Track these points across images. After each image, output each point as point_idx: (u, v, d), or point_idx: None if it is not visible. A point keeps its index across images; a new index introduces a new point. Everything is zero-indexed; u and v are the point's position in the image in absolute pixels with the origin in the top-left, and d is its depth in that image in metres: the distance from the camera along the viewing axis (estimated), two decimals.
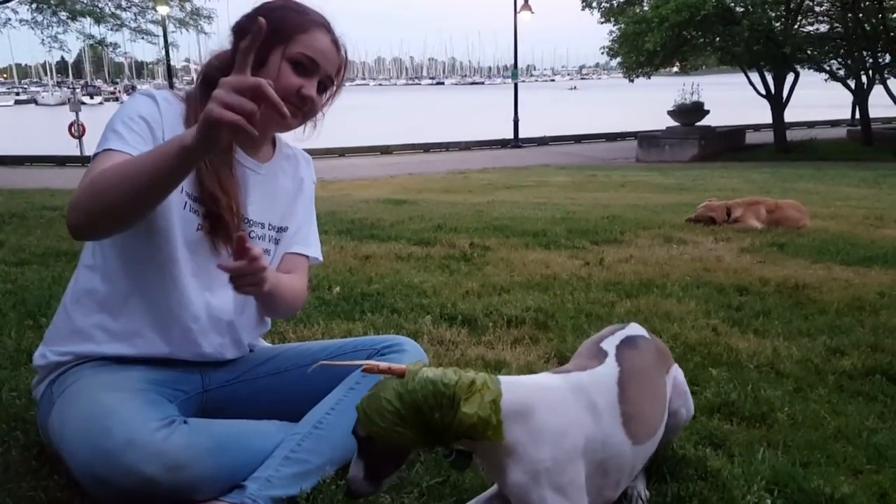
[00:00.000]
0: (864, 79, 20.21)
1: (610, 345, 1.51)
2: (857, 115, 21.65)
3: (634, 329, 1.61)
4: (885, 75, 19.26)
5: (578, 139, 24.90)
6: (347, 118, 33.02)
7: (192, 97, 1.52)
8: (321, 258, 1.79)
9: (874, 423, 1.98)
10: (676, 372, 1.65)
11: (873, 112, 20.79)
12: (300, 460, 1.46)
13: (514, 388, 1.29)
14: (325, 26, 1.56)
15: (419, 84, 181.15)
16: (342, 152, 19.50)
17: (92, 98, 64.19)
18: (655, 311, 3.18)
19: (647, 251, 4.81)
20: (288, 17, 1.51)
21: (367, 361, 1.26)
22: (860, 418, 2.01)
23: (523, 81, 26.21)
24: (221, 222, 1.51)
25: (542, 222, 5.97)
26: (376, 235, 5.03)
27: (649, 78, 20.83)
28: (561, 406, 1.30)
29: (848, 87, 20.54)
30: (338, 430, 1.52)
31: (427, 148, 21.78)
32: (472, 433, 1.23)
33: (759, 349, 2.62)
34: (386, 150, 20.94)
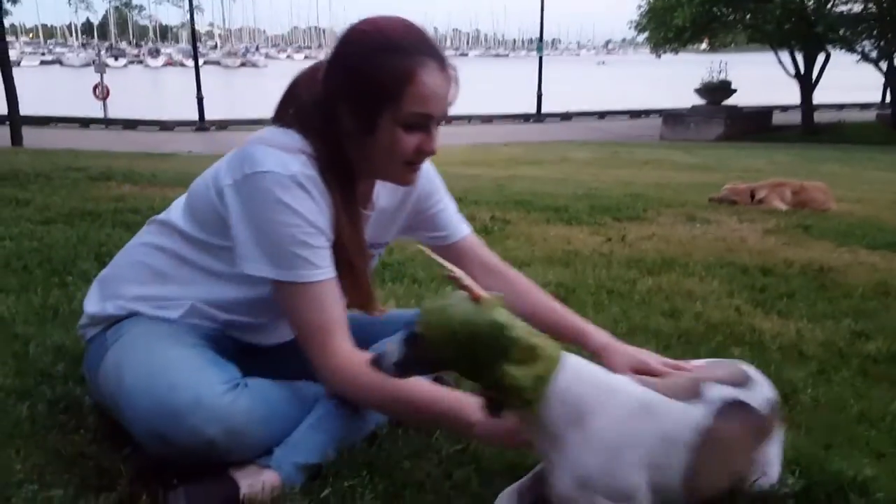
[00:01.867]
0: None
1: (715, 395, 1.33)
2: (888, 99, 21.19)
3: (753, 389, 1.42)
4: None
5: (602, 115, 24.64)
6: None
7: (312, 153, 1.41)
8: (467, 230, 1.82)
9: None
10: (773, 443, 1.46)
11: None
12: (328, 429, 1.46)
13: (583, 380, 1.24)
14: (433, 57, 1.38)
15: None
16: None
17: (116, 60, 64.43)
18: (678, 289, 3.16)
19: (669, 229, 4.76)
20: (388, 66, 1.34)
21: (455, 270, 1.22)
22: (884, 402, 1.98)
23: (548, 55, 25.89)
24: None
25: (563, 198, 5.93)
26: None
27: (676, 54, 20.50)
28: (626, 420, 1.24)
29: (879, 69, 20.10)
30: (359, 409, 1.51)
31: (448, 120, 21.53)
32: (507, 395, 1.21)
33: (783, 330, 2.60)
34: None
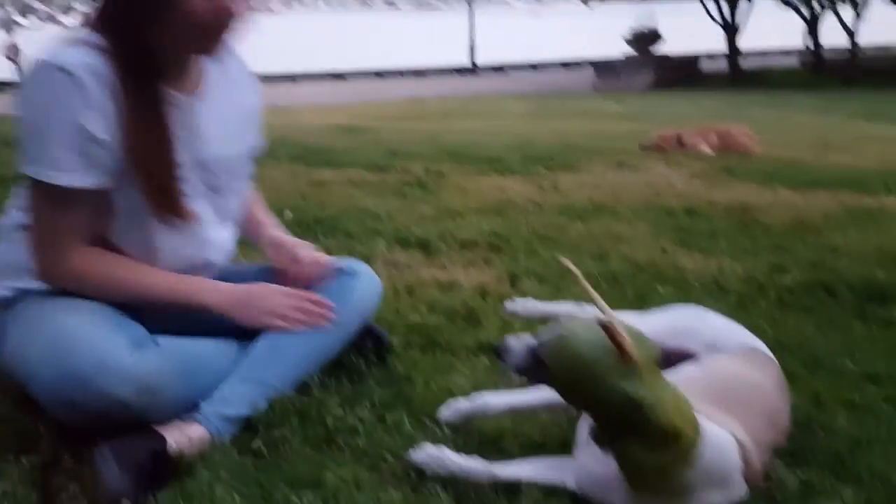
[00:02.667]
0: (816, 6, 20.29)
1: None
2: (809, 44, 21.81)
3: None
4: (836, 3, 19.37)
5: (535, 67, 24.64)
6: (298, 42, 32.11)
7: (104, 47, 1.34)
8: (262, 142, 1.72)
9: (811, 334, 2.06)
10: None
11: (824, 40, 20.98)
12: (255, 380, 1.45)
13: (710, 476, 1.16)
14: None
15: (371, 7, 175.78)
16: (294, 78, 18.97)
17: (25, 17, 60.44)
18: (607, 233, 3.23)
19: (600, 177, 4.85)
20: None
21: (612, 316, 1.11)
22: (799, 329, 2.09)
23: (480, 7, 25.63)
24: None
25: (497, 149, 5.95)
26: (330, 162, 4.95)
27: (603, 1, 20.56)
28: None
29: (801, 14, 20.61)
30: (293, 353, 1.51)
31: (382, 74, 21.32)
32: (629, 463, 1.12)
33: (705, 267, 2.70)
34: (339, 77, 20.42)
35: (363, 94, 14.60)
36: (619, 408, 1.08)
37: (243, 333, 1.53)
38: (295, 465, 1.31)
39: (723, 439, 1.19)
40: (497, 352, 1.22)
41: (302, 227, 3.06)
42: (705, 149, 6.22)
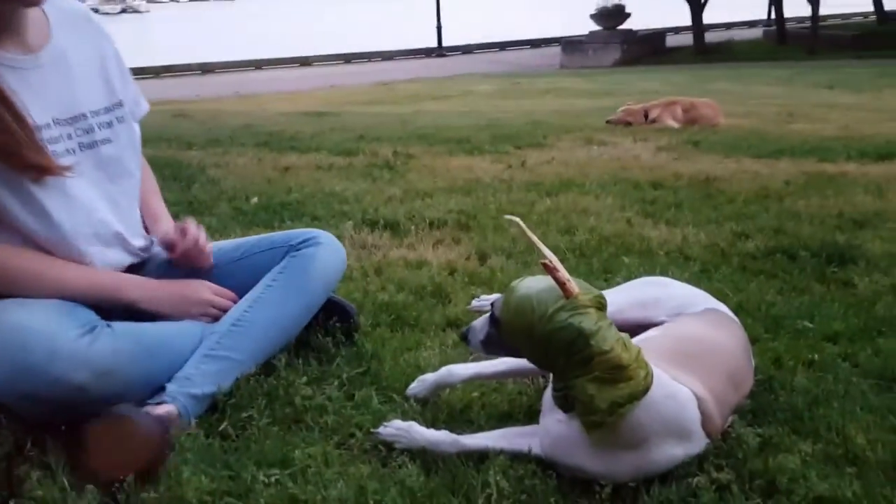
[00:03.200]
0: None
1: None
2: (773, 15, 21.99)
3: None
4: None
5: (503, 46, 24.56)
6: (260, 26, 31.50)
7: None
8: (147, 106, 1.70)
9: (773, 297, 2.11)
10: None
11: (787, 11, 21.17)
12: (220, 357, 1.44)
13: (661, 415, 1.18)
14: None
15: None
16: (258, 64, 18.70)
17: None
18: (574, 207, 3.25)
19: (568, 153, 4.87)
20: None
21: (551, 258, 1.12)
22: (760, 293, 2.13)
23: None
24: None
25: (466, 129, 5.95)
26: (296, 147, 4.91)
27: None
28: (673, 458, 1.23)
29: None
30: (258, 327, 1.50)
31: (349, 59, 21.09)
32: (577, 405, 1.15)
33: (670, 237, 2.73)
34: (305, 62, 20.17)
35: (330, 79, 14.48)
36: (565, 342, 1.11)
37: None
38: (263, 446, 1.31)
39: (680, 390, 1.22)
40: (463, 336, 1.26)
41: (268, 212, 3.04)
42: (671, 122, 6.28)
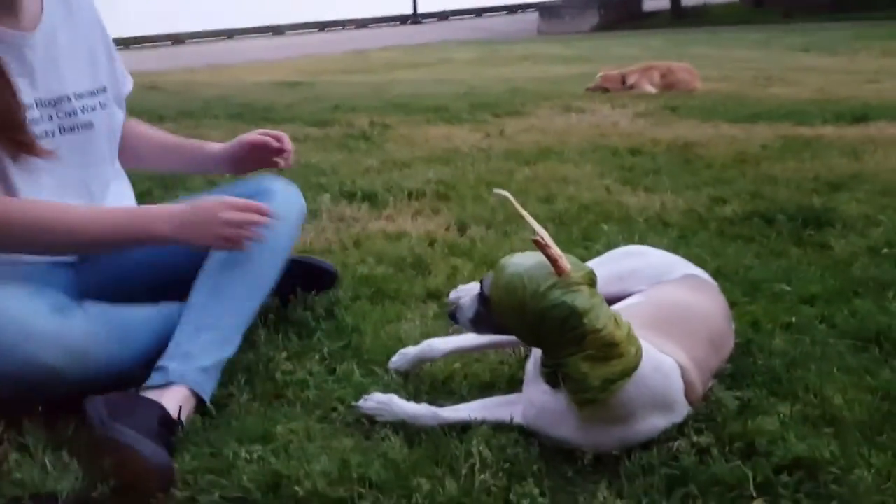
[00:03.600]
0: None
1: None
2: None
3: None
4: None
5: (479, 12, 24.29)
6: None
7: None
8: (131, 82, 1.68)
9: (750, 261, 2.12)
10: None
11: None
12: (211, 326, 1.40)
13: (651, 390, 1.18)
14: None
15: None
16: (230, 34, 18.32)
17: None
18: (553, 175, 3.24)
19: (546, 121, 4.85)
20: None
21: (542, 234, 1.10)
22: (738, 258, 2.15)
23: None
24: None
25: (443, 98, 5.89)
26: (270, 118, 4.84)
27: None
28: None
29: None
30: (234, 286, 1.45)
31: (322, 27, 20.72)
32: (568, 383, 1.14)
33: (648, 204, 2.73)
34: (278, 31, 19.78)
35: (303, 49, 14.22)
36: (558, 320, 1.10)
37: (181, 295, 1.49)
38: (244, 422, 1.31)
39: (665, 362, 1.23)
40: (451, 315, 1.24)
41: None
42: (649, 88, 6.26)
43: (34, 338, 1.24)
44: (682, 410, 1.26)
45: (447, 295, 1.90)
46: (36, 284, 1.37)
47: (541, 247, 1.09)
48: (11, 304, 1.27)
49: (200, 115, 5.02)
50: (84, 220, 1.37)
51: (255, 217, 1.39)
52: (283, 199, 1.58)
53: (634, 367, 1.15)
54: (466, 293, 1.88)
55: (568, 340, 1.12)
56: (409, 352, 1.50)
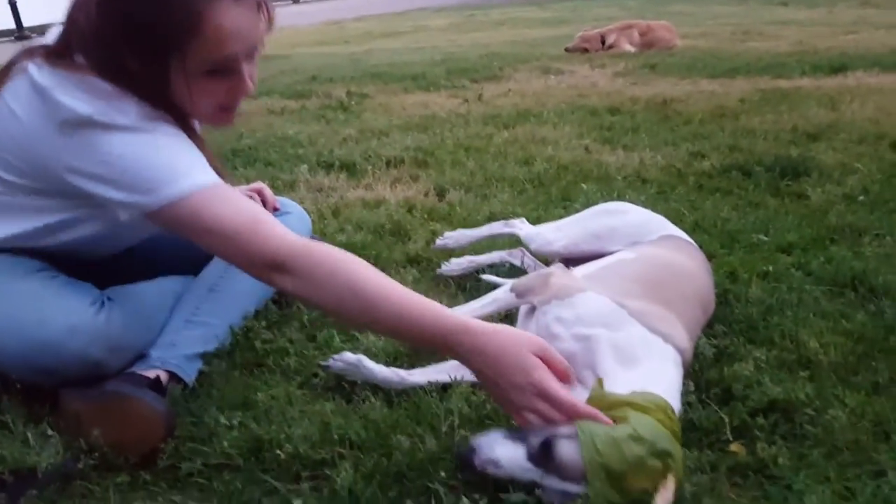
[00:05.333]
0: None
1: None
2: None
3: None
4: None
5: None
6: None
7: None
8: None
9: (728, 213, 2.13)
10: None
11: None
12: (199, 323, 1.41)
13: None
14: None
15: None
16: None
17: None
18: (532, 138, 3.23)
19: (525, 84, 4.81)
20: (165, 10, 1.08)
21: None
22: (716, 211, 2.15)
23: None
24: None
25: (421, 66, 5.83)
26: None
27: None
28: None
29: None
30: (234, 294, 1.47)
31: (264, 6, 20.34)
32: None
33: (627, 162, 2.73)
34: None
35: (277, 21, 14.00)
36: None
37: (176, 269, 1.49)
38: (224, 390, 1.31)
39: (668, 359, 1.17)
40: (464, 457, 1.01)
41: (219, 160, 2.96)
42: (628, 47, 6.22)
43: (80, 335, 1.24)
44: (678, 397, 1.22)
45: (429, 259, 1.90)
46: (62, 275, 1.35)
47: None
48: (52, 300, 1.26)
49: None
50: (413, 302, 1.09)
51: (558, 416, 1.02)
52: (297, 216, 1.69)
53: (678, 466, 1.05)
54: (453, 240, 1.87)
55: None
56: None
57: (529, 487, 1.00)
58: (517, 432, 1.02)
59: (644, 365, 1.11)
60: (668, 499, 0.95)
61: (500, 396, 1.05)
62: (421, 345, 1.21)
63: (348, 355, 1.34)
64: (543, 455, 0.98)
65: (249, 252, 1.13)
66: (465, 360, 1.06)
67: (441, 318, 1.06)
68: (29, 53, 1.18)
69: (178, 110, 1.21)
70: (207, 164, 1.20)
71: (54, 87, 1.12)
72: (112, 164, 1.12)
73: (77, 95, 1.12)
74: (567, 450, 0.97)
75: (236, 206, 1.16)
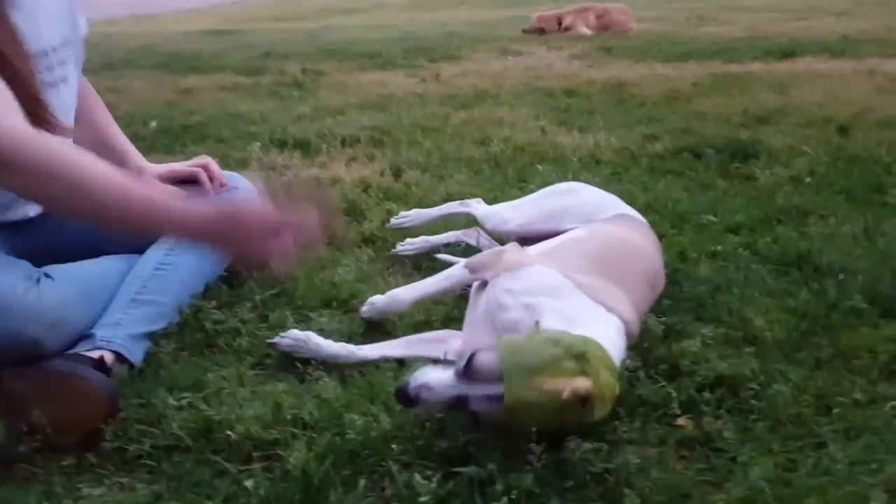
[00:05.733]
0: None
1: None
2: None
3: None
4: None
5: None
6: None
7: None
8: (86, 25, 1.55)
9: (679, 195, 2.16)
10: None
11: None
12: (146, 302, 1.37)
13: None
14: None
15: None
16: None
17: None
18: (489, 119, 3.23)
19: (483, 65, 4.81)
20: None
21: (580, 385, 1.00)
22: (667, 192, 2.18)
23: None
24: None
25: (378, 43, 5.77)
26: (197, 68, 4.67)
27: None
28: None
29: None
30: (181, 271, 1.44)
31: None
32: None
33: (582, 143, 2.75)
34: None
35: None
36: (575, 425, 1.05)
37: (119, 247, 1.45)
38: (172, 371, 1.28)
39: (612, 326, 1.20)
40: (401, 392, 1.05)
41: (169, 136, 2.90)
42: (584, 30, 6.26)
43: (13, 312, 1.20)
44: (621, 364, 1.25)
45: (384, 239, 1.89)
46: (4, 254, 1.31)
47: (585, 400, 1.01)
48: None
49: (122, 67, 4.80)
50: (107, 179, 1.08)
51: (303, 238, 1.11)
52: (245, 190, 1.63)
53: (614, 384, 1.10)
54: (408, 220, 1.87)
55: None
56: (377, 301, 1.46)
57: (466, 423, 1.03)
58: (446, 363, 1.12)
59: (586, 329, 1.13)
60: (575, 389, 0.99)
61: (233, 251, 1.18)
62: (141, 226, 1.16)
63: (296, 332, 1.33)
64: (467, 368, 1.04)
65: None
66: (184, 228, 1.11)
67: (153, 202, 1.09)
68: None
69: None
70: None
71: None
72: None
73: None
74: (486, 356, 1.05)
75: None
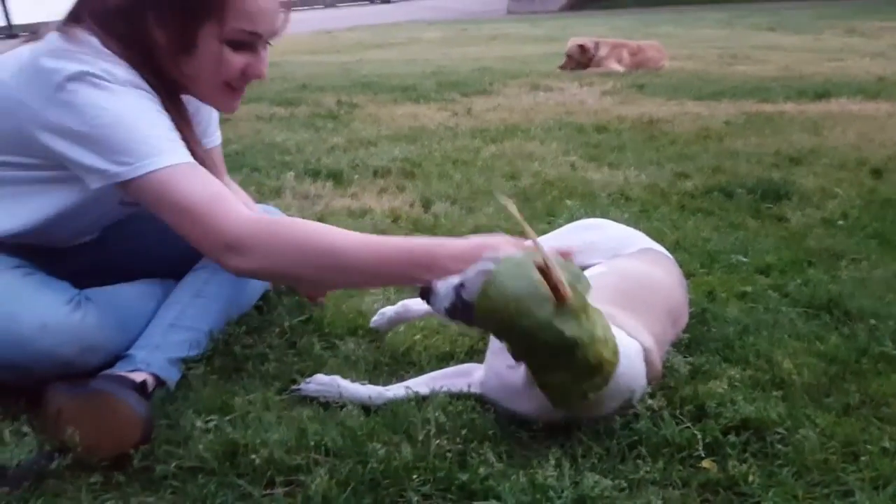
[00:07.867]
0: None
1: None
2: None
3: None
4: None
5: None
6: None
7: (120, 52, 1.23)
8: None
9: (709, 234, 2.15)
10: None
11: None
12: (184, 328, 1.41)
13: (622, 389, 1.19)
14: None
15: None
16: None
17: None
18: (519, 153, 3.26)
19: (514, 99, 4.85)
20: None
21: (547, 258, 1.04)
22: (697, 231, 2.18)
23: None
24: None
25: (411, 77, 5.86)
26: None
27: None
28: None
29: None
30: (219, 301, 1.48)
31: (288, 7, 20.41)
32: (554, 391, 1.15)
33: (612, 180, 2.76)
34: None
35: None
36: (552, 347, 1.09)
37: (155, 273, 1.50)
38: (201, 394, 1.30)
39: (631, 349, 1.22)
40: (422, 295, 1.15)
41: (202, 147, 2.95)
42: (616, 66, 6.29)
43: (52, 333, 1.24)
44: (642, 390, 1.26)
45: None
46: (38, 270, 1.35)
47: (546, 275, 1.05)
48: (26, 296, 1.26)
49: None
50: (371, 247, 1.19)
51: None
52: None
53: (611, 376, 1.14)
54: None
55: (557, 364, 1.11)
56: (387, 311, 1.51)
57: None
58: None
59: None
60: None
61: None
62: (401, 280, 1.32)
63: (321, 377, 1.33)
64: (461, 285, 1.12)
65: (205, 229, 1.16)
66: (446, 270, 1.14)
67: (413, 247, 1.20)
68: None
69: (173, 87, 1.29)
70: (181, 143, 1.23)
71: (44, 53, 1.18)
72: (92, 119, 1.16)
73: (67, 56, 1.17)
74: (470, 285, 1.12)
75: (202, 182, 1.20)
